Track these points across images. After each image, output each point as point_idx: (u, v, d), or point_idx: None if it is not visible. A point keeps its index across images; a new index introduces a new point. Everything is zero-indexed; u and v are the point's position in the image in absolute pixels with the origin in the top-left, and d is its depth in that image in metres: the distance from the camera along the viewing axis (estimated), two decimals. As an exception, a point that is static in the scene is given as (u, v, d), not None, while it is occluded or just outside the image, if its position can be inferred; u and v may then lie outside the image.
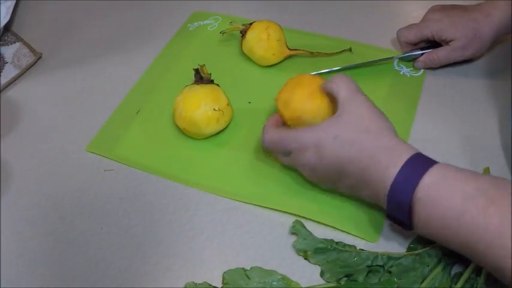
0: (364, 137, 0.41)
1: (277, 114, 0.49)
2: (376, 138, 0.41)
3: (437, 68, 0.58)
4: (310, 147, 0.43)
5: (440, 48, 0.56)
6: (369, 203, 0.46)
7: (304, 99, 0.46)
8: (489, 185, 0.36)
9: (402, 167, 0.38)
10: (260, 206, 0.48)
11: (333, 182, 0.44)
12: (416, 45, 0.59)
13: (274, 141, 0.46)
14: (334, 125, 0.42)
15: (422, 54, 0.58)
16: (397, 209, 0.39)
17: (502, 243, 0.33)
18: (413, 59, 0.59)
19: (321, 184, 0.46)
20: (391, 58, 0.60)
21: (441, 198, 0.36)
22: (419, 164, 0.38)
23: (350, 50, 0.61)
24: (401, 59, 0.60)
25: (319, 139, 0.42)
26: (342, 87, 0.44)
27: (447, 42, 0.55)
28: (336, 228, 0.45)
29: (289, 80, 0.49)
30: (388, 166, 0.39)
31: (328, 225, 0.45)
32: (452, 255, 0.41)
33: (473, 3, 0.56)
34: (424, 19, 0.58)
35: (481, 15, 0.54)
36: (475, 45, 0.55)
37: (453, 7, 0.57)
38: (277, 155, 0.48)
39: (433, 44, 0.57)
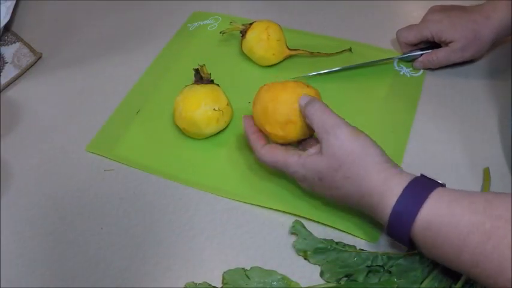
0: (347, 183, 0.40)
1: (252, 125, 0.48)
2: (362, 178, 0.40)
3: (437, 68, 0.58)
4: (298, 178, 0.44)
5: (439, 49, 0.56)
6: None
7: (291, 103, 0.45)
8: (485, 212, 0.34)
9: (395, 205, 0.37)
10: (260, 206, 0.48)
11: (332, 196, 0.43)
12: (415, 45, 0.59)
13: (269, 161, 0.45)
14: (318, 164, 0.42)
15: (421, 54, 0.58)
16: (396, 234, 0.39)
17: (505, 278, 0.32)
18: (413, 59, 0.59)
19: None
20: (391, 58, 0.60)
21: (438, 237, 0.36)
22: (411, 202, 0.37)
23: (350, 50, 0.61)
24: (401, 59, 0.60)
25: (304, 175, 0.43)
26: (314, 121, 0.42)
27: (446, 44, 0.55)
28: (336, 228, 0.45)
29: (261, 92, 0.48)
30: (379, 204, 0.39)
31: (328, 226, 0.45)
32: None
33: (473, 3, 0.56)
34: (424, 20, 0.58)
35: (480, 16, 0.54)
36: (474, 46, 0.54)
37: (453, 8, 0.57)
38: None
39: (432, 44, 0.57)
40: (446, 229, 0.35)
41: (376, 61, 0.59)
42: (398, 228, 0.38)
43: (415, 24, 0.58)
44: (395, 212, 0.37)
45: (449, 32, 0.54)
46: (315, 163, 0.42)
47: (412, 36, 0.57)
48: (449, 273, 0.41)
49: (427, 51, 0.57)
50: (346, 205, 0.43)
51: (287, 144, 0.47)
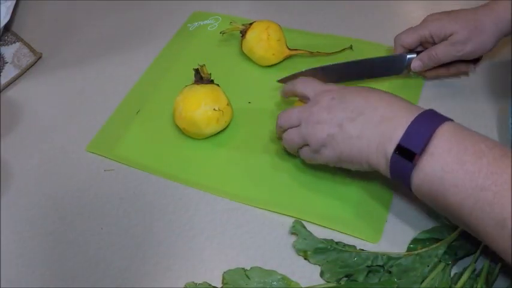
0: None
1: None
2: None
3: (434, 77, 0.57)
4: (331, 91, 0.44)
5: (438, 44, 0.53)
6: (369, 203, 0.46)
7: None
8: (505, 146, 0.36)
9: (426, 110, 0.40)
10: (260, 208, 0.48)
11: (349, 119, 0.42)
12: (411, 51, 0.56)
13: (286, 113, 0.47)
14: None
15: (414, 57, 0.55)
16: (414, 138, 0.38)
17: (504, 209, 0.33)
18: (409, 63, 0.55)
19: (327, 149, 0.43)
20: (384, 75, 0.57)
21: (464, 138, 0.36)
22: (437, 115, 0.40)
23: (351, 47, 0.61)
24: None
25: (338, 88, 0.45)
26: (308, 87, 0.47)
27: (446, 38, 0.53)
28: (337, 230, 0.45)
29: None
30: (413, 108, 0.40)
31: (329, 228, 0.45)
32: (453, 255, 0.41)
33: (473, 4, 0.56)
34: (422, 22, 0.56)
35: (482, 9, 0.52)
36: (476, 38, 0.51)
37: (452, 11, 0.55)
38: (289, 117, 0.46)
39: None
40: (459, 147, 0.36)
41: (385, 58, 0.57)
42: (421, 129, 0.38)
43: (412, 27, 0.56)
44: (425, 114, 0.39)
45: (449, 26, 0.52)
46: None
47: (410, 38, 0.55)
48: (449, 273, 0.41)
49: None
50: (375, 108, 0.41)
51: None
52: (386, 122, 0.40)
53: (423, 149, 0.37)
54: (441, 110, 0.53)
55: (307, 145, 0.45)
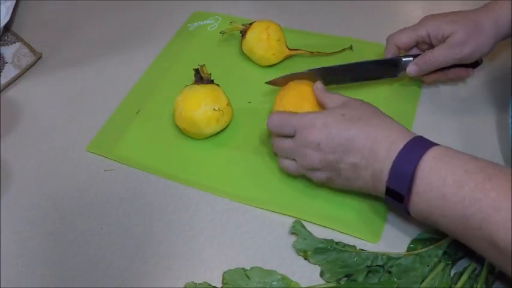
0: (371, 115, 0.43)
1: None
2: (382, 117, 0.44)
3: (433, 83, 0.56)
4: (317, 124, 0.43)
5: (435, 48, 0.51)
6: (369, 203, 0.46)
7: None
8: (489, 164, 0.37)
9: (409, 141, 0.40)
10: (260, 208, 0.48)
11: (336, 162, 0.43)
12: (399, 52, 0.54)
13: (280, 119, 0.46)
14: (339, 107, 0.45)
15: (409, 61, 0.53)
16: (398, 181, 0.39)
17: (498, 216, 0.34)
18: (405, 67, 0.53)
19: (319, 173, 0.45)
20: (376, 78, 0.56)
21: (442, 171, 0.38)
22: (425, 141, 0.41)
23: (351, 48, 0.61)
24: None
25: (326, 116, 0.43)
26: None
27: (444, 40, 0.50)
28: (337, 230, 0.45)
29: (284, 90, 0.51)
30: (396, 140, 0.40)
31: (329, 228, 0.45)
32: (453, 255, 0.41)
33: (472, 4, 0.56)
34: (419, 22, 0.53)
35: (482, 11, 0.51)
36: (475, 39, 0.49)
37: (450, 12, 0.53)
38: (277, 142, 0.47)
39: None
40: (449, 167, 0.38)
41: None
42: (406, 162, 0.39)
43: (408, 27, 0.53)
44: (411, 143, 0.40)
45: (447, 26, 0.50)
46: (335, 106, 0.45)
47: (407, 38, 0.52)
48: (449, 273, 0.41)
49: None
50: (356, 150, 0.42)
51: None
52: (374, 161, 0.41)
53: (409, 189, 0.39)
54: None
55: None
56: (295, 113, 0.45)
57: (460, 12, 0.52)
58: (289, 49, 0.60)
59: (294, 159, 0.46)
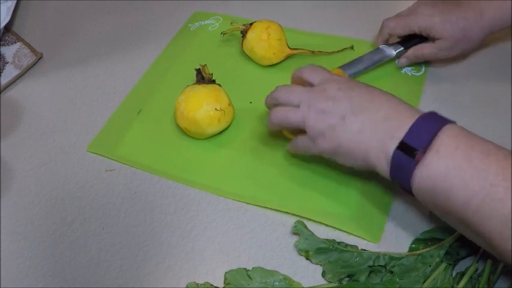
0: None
1: None
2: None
3: (438, 65, 0.58)
4: (338, 81, 0.44)
5: (425, 45, 0.55)
6: (371, 202, 0.46)
7: None
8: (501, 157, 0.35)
9: (429, 112, 0.39)
10: (262, 206, 0.48)
11: (352, 113, 0.41)
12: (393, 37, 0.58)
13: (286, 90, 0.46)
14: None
15: (401, 51, 0.57)
16: (417, 136, 0.37)
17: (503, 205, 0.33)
18: (398, 56, 0.58)
19: (325, 140, 0.42)
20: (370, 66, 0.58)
21: (455, 156, 0.36)
22: (442, 117, 0.39)
23: (352, 48, 0.61)
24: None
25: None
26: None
27: (434, 40, 0.54)
28: (339, 229, 0.45)
29: None
30: (414, 110, 0.40)
31: (330, 226, 0.45)
32: (455, 255, 0.41)
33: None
34: (414, 12, 0.56)
35: (474, 13, 0.52)
36: (462, 45, 0.54)
37: (444, 1, 0.55)
38: (284, 115, 0.45)
39: (414, 40, 0.57)
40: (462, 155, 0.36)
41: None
42: (422, 134, 0.38)
43: (404, 16, 0.56)
44: (427, 116, 0.39)
45: (438, 29, 0.53)
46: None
47: (400, 29, 0.56)
48: (451, 273, 0.41)
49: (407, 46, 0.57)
50: (377, 103, 0.41)
51: None
52: (390, 120, 0.40)
53: (427, 147, 0.37)
54: (442, 109, 0.53)
55: (301, 132, 0.44)
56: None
57: (453, 9, 0.53)
58: (290, 49, 0.60)
59: (304, 133, 0.44)
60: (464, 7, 0.53)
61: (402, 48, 0.57)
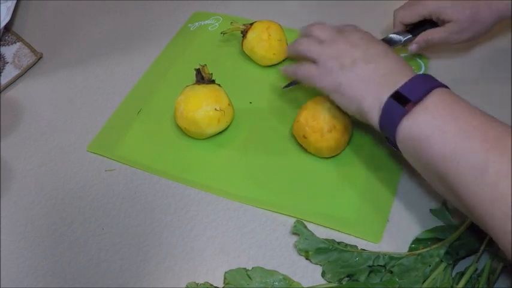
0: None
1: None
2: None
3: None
4: (359, 31, 0.47)
5: (435, 30, 0.55)
6: (370, 203, 0.46)
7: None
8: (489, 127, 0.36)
9: (426, 74, 0.42)
10: (261, 208, 0.48)
11: (364, 61, 0.44)
12: (407, 27, 0.58)
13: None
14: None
15: (410, 38, 0.57)
16: (413, 89, 0.40)
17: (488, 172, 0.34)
18: (406, 44, 0.58)
19: (330, 76, 0.45)
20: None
21: (443, 116, 0.38)
22: (438, 81, 0.41)
23: None
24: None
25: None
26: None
27: (444, 23, 0.54)
28: (339, 231, 0.45)
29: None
30: (408, 69, 0.42)
31: (331, 228, 0.45)
32: (454, 255, 0.41)
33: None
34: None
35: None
36: (472, 28, 0.53)
37: None
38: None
39: (424, 26, 0.56)
40: (449, 118, 0.37)
41: None
42: (419, 86, 0.40)
43: (412, 2, 0.56)
44: (422, 75, 0.42)
45: (448, 12, 0.53)
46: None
47: (410, 15, 0.56)
48: (451, 273, 0.41)
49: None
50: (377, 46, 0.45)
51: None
52: (392, 74, 0.42)
53: (419, 101, 0.39)
54: None
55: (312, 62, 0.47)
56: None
57: None
58: (290, 49, 0.60)
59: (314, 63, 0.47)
60: None
61: (411, 35, 0.57)
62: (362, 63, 0.43)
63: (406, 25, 0.58)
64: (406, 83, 0.40)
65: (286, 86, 0.56)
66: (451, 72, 0.58)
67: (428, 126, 0.38)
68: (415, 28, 0.57)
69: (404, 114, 0.39)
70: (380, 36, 0.59)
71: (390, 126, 0.40)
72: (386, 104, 0.40)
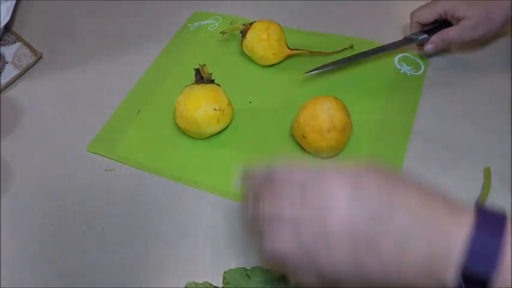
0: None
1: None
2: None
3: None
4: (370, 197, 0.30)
5: (450, 28, 0.56)
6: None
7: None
8: None
9: (479, 216, 0.29)
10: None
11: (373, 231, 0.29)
12: (424, 27, 0.59)
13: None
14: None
15: (428, 38, 0.58)
16: (480, 259, 0.28)
17: None
18: (421, 44, 0.59)
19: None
20: (395, 49, 0.59)
21: None
22: (495, 217, 0.29)
23: (352, 47, 0.61)
24: (406, 50, 0.60)
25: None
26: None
27: (458, 21, 0.56)
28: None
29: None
30: (458, 208, 0.29)
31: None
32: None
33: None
34: (436, 1, 0.58)
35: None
36: (485, 25, 0.55)
37: None
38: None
39: (439, 27, 0.58)
40: None
41: (379, 49, 0.59)
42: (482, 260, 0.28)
43: (428, 3, 0.59)
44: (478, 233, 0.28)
45: (462, 8, 0.55)
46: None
47: (426, 15, 0.58)
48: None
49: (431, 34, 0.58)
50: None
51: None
52: (433, 233, 0.29)
53: (495, 269, 0.27)
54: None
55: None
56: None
57: None
58: (289, 49, 0.60)
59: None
60: None
61: (426, 35, 0.58)
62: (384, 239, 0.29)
63: (423, 25, 0.59)
64: (468, 257, 0.28)
65: (309, 72, 0.57)
66: (451, 72, 0.58)
67: None
68: (429, 30, 0.58)
69: None
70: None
71: None
72: None
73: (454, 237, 0.28)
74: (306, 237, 0.30)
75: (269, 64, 0.61)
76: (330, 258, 0.30)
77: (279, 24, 0.60)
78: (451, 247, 0.28)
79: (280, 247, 0.31)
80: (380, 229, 0.29)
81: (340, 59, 0.58)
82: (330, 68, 0.57)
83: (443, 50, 0.59)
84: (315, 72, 0.57)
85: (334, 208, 0.29)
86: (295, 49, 0.60)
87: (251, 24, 0.60)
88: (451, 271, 0.28)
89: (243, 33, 0.60)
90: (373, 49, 0.59)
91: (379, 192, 0.29)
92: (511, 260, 0.27)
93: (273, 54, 0.59)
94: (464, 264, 0.28)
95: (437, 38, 0.57)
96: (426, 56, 0.59)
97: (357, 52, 0.59)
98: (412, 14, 0.60)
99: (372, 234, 0.29)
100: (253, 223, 0.33)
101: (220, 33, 0.63)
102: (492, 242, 0.28)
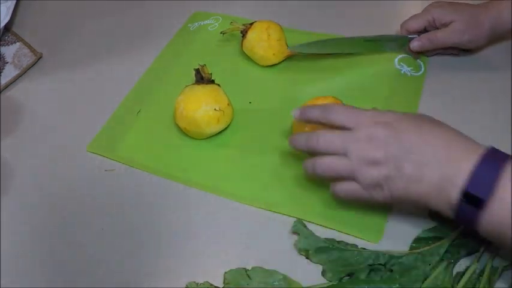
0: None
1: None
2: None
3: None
4: (385, 124, 0.40)
5: (439, 30, 0.57)
6: (370, 205, 0.46)
7: None
8: None
9: (487, 152, 0.37)
10: (261, 208, 0.48)
11: (406, 160, 0.38)
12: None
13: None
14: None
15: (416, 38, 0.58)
16: (480, 184, 0.36)
17: None
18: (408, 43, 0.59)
19: (377, 171, 0.39)
20: (385, 41, 0.60)
21: None
22: (500, 154, 0.37)
23: None
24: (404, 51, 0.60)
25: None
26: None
27: (447, 25, 0.56)
28: (339, 231, 0.45)
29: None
30: (472, 146, 0.38)
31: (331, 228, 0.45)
32: (455, 254, 0.41)
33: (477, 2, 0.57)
34: (426, 9, 0.59)
35: (482, 7, 0.56)
36: (472, 30, 0.55)
37: (454, 2, 0.58)
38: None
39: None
40: None
41: (376, 38, 0.59)
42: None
43: (416, 14, 0.59)
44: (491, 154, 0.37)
45: (450, 14, 0.56)
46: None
47: (415, 24, 0.58)
48: (451, 272, 0.41)
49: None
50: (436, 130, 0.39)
51: None
52: (447, 163, 0.37)
53: (491, 194, 0.35)
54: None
55: (352, 179, 0.41)
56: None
57: (462, 3, 0.57)
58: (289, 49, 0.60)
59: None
60: (473, 4, 0.57)
61: (416, 35, 0.58)
62: (405, 163, 0.38)
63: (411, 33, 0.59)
64: (471, 178, 0.36)
65: (294, 48, 0.58)
66: (451, 72, 0.58)
67: (509, 218, 0.35)
68: (421, 33, 0.59)
69: (481, 214, 0.36)
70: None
71: (467, 223, 0.37)
72: (459, 209, 0.36)
73: (463, 169, 0.36)
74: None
75: (269, 64, 0.61)
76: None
77: (279, 24, 0.60)
78: (458, 175, 0.36)
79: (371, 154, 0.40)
80: (408, 157, 0.38)
81: (329, 39, 0.59)
82: (318, 47, 0.58)
83: (430, 51, 0.59)
84: (300, 48, 0.57)
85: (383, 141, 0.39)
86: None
87: (251, 24, 0.60)
88: (455, 192, 0.36)
89: (243, 33, 0.60)
90: (362, 36, 0.59)
91: (415, 132, 0.39)
92: (510, 189, 0.34)
93: (273, 54, 0.59)
94: (466, 186, 0.36)
95: (425, 37, 0.58)
96: (413, 55, 0.60)
97: (347, 37, 0.60)
98: (401, 25, 0.60)
99: (401, 160, 0.39)
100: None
101: (221, 33, 0.63)
102: (490, 173, 0.35)
